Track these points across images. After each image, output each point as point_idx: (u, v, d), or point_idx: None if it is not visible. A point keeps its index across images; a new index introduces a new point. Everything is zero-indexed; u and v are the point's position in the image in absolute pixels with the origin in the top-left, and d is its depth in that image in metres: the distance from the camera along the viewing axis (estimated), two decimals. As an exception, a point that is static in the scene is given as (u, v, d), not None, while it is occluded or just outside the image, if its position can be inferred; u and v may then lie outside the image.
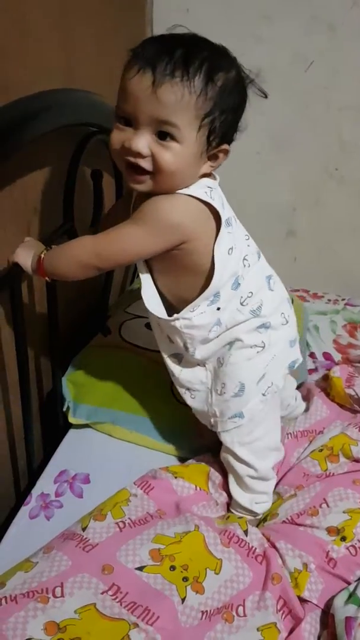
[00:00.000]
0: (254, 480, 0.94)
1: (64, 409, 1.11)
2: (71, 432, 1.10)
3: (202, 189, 0.77)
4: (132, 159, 0.72)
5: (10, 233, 0.91)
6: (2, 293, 0.86)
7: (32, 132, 0.84)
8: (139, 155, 0.71)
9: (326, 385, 1.22)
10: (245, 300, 0.86)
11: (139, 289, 0.86)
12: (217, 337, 0.87)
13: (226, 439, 0.93)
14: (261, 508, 0.96)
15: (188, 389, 0.94)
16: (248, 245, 0.87)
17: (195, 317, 0.84)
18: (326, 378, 1.24)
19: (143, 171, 0.73)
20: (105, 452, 1.06)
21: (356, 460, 1.01)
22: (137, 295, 1.41)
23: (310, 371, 1.33)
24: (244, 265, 0.85)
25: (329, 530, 0.88)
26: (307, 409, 1.17)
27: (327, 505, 0.92)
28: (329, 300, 1.62)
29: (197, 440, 1.06)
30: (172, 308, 0.87)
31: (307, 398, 1.20)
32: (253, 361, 0.89)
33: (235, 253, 0.83)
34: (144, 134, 0.70)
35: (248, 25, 1.45)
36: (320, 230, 1.71)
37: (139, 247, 0.78)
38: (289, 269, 1.66)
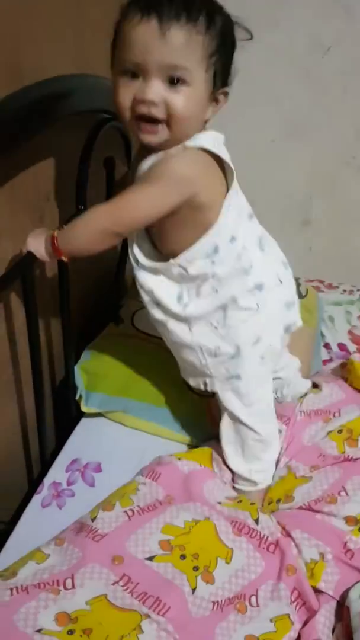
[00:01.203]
0: (257, 444, 0.94)
1: (77, 398, 1.12)
2: (83, 421, 1.10)
3: (210, 139, 0.78)
4: (145, 110, 0.72)
5: (23, 221, 0.91)
6: (15, 282, 0.85)
7: (44, 119, 0.83)
8: (152, 104, 0.71)
9: (343, 372, 1.20)
10: (241, 255, 0.85)
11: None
12: (215, 292, 0.86)
13: (225, 397, 0.93)
14: (260, 477, 0.95)
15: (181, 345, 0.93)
16: (246, 202, 0.88)
17: (191, 267, 0.84)
18: (344, 365, 1.22)
19: (156, 121, 0.73)
20: (117, 440, 1.06)
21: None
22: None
23: (325, 362, 1.31)
24: (241, 221, 0.86)
25: (348, 520, 0.86)
26: (320, 390, 1.14)
27: (347, 494, 0.90)
28: (344, 290, 1.60)
29: (210, 429, 1.06)
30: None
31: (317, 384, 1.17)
32: (248, 323, 0.89)
33: (238, 208, 0.84)
34: (155, 82, 0.70)
35: (263, 9, 1.41)
36: (336, 220, 1.68)
37: (154, 205, 0.78)
38: (304, 258, 1.65)
